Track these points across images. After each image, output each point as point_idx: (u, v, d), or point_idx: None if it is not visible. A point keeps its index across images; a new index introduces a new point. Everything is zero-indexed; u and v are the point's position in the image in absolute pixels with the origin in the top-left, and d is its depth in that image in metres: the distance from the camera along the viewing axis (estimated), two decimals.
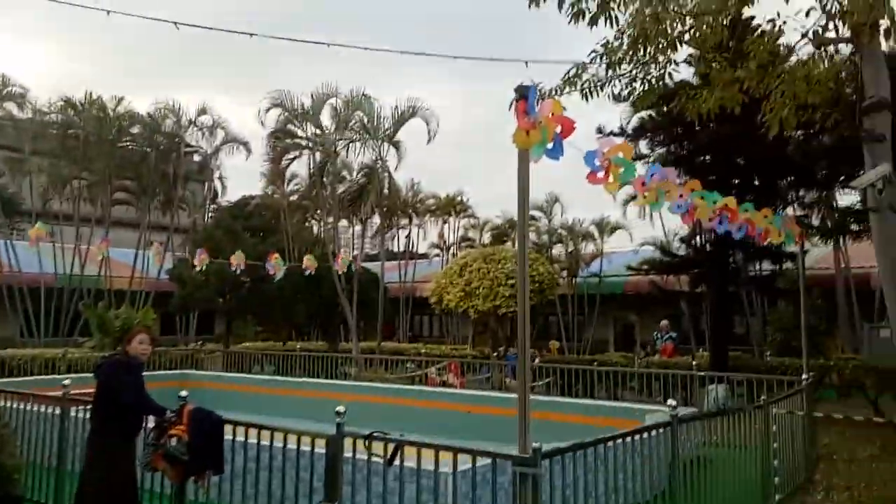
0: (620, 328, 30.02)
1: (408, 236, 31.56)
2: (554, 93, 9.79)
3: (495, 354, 15.64)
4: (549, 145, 4.84)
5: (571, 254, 26.98)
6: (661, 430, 6.08)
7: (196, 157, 31.96)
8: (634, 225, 26.24)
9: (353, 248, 23.63)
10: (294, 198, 33.74)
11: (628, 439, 5.63)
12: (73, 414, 6.99)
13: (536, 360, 16.63)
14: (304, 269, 15.86)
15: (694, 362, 13.31)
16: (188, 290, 22.83)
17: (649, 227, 43.33)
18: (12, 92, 25.25)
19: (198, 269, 16.11)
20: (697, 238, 18.80)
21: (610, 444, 5.37)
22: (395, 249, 35.07)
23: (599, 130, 15.59)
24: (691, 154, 15.01)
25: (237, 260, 15.59)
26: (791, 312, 18.75)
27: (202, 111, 28.09)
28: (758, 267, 18.14)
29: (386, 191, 19.90)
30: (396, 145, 20.22)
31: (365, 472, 5.37)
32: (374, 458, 4.98)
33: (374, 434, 4.96)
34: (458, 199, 30.01)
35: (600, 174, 6.04)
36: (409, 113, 19.24)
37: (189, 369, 17.01)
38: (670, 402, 6.30)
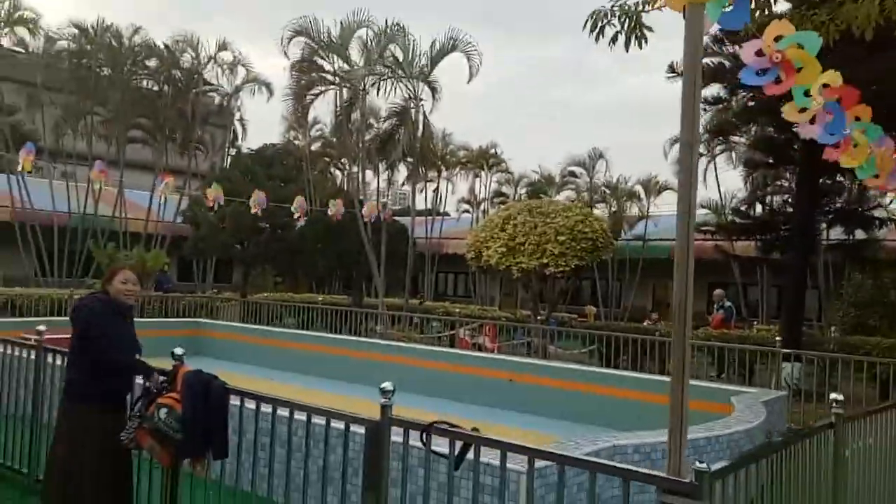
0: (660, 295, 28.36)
1: (435, 190, 29.87)
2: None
3: (539, 318, 14.06)
4: (729, 6, 3.27)
5: (614, 214, 25.17)
6: (824, 433, 4.45)
7: (216, 98, 30.28)
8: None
9: (378, 199, 21.95)
10: (316, 146, 32.11)
11: (791, 447, 3.97)
12: (49, 360, 5.76)
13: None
14: (331, 216, 14.26)
15: (778, 338, 11.62)
16: (203, 233, 21.36)
17: (702, 188, 40.96)
18: (24, 16, 23.50)
19: (212, 206, 14.54)
20: (769, 199, 17.03)
21: (774, 454, 3.72)
22: (420, 206, 33.51)
23: (672, 69, 13.69)
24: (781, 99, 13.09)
25: (256, 200, 13.98)
26: (870, 286, 17.01)
27: (222, 47, 26.32)
28: (829, 233, 16.28)
29: (419, 135, 18.11)
30: (432, 85, 18.37)
31: (415, 462, 4.05)
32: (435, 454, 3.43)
33: (436, 425, 3.38)
34: (492, 151, 28.16)
35: (778, 79, 4.32)
36: (449, 46, 17.30)
37: (204, 318, 15.69)
38: (835, 395, 4.61)
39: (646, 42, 7.69)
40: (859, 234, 16.48)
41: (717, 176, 23.45)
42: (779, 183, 18.57)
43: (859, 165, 5.19)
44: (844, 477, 4.52)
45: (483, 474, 3.61)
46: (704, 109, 15.86)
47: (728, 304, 17.50)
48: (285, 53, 18.03)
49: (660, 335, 14.46)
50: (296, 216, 14.23)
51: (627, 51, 7.93)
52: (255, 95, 28.67)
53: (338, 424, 3.88)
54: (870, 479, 5.05)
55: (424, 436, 3.41)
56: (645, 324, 18.49)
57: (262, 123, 69.71)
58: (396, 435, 3.57)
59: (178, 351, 4.50)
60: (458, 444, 3.34)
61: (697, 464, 2.66)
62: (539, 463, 4.22)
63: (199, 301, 16.58)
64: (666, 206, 26.43)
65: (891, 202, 15.89)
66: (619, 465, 3.43)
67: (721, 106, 14.76)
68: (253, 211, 14.51)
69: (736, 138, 23.12)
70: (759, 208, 16.95)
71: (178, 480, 4.46)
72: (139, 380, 4.48)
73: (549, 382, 11.15)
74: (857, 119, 4.88)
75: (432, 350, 12.90)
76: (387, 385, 3.63)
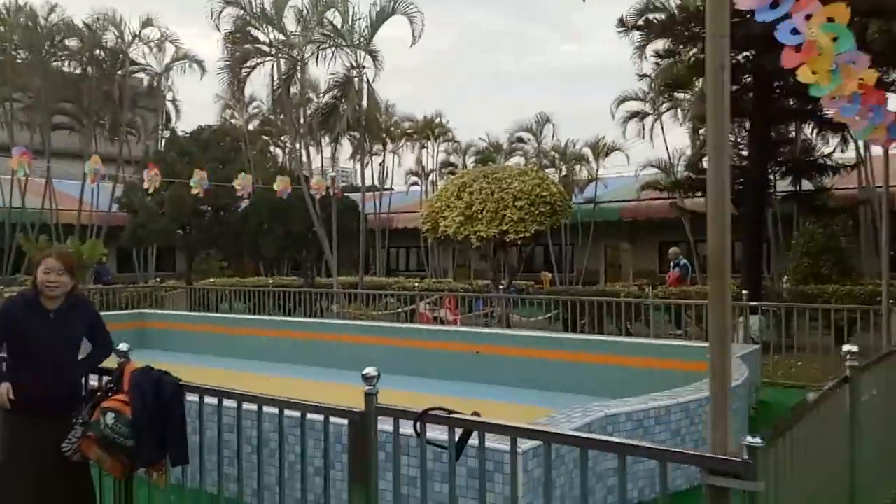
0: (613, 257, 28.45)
1: (381, 164, 29.17)
2: None
3: (501, 287, 13.71)
4: None
5: (564, 178, 24.95)
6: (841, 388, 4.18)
7: (145, 79, 28.79)
8: (632, 146, 24.27)
9: (325, 174, 21.15)
10: (254, 125, 30.98)
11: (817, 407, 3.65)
12: None
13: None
14: (278, 193, 13.55)
15: (744, 291, 11.50)
16: (141, 220, 20.29)
17: (649, 148, 40.98)
18: None
19: (149, 189, 13.62)
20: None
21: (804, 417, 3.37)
22: (367, 180, 32.71)
23: (622, 23, 13.36)
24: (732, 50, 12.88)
25: (198, 181, 13.13)
26: (821, 235, 17.19)
27: (147, 23, 24.86)
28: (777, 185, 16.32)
29: (364, 105, 17.37)
30: (373, 54, 17.64)
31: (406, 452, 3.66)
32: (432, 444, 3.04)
33: (430, 411, 2.95)
34: (438, 121, 27.55)
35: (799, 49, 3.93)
36: (390, 9, 16.54)
37: (148, 309, 14.83)
38: (847, 347, 4.30)
39: None
40: (805, 185, 16.62)
41: (664, 134, 23.36)
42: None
43: (816, 83, 4.60)
44: (859, 428, 4.28)
45: (477, 460, 3.19)
46: (657, 63, 15.76)
47: (684, 261, 17.46)
48: (217, 26, 17.05)
49: (624, 297, 14.42)
50: (240, 195, 13.46)
51: None
52: (186, 74, 27.38)
53: (315, 417, 3.41)
54: (879, 425, 4.85)
55: (418, 425, 2.98)
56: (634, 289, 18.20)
57: (196, 105, 67.43)
58: (383, 423, 3.11)
59: (123, 347, 3.93)
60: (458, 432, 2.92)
61: (749, 438, 2.28)
62: (531, 443, 3.84)
63: (142, 291, 15.71)
64: (614, 167, 26.43)
65: (832, 151, 16.09)
66: (653, 445, 2.98)
67: (672, 59, 14.55)
68: (195, 192, 13.64)
69: (681, 94, 23.12)
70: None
71: (133, 491, 3.95)
72: (93, 380, 3.95)
73: (517, 352, 10.86)
74: (830, 21, 4.19)
75: (393, 327, 12.44)
76: (370, 370, 3.16)
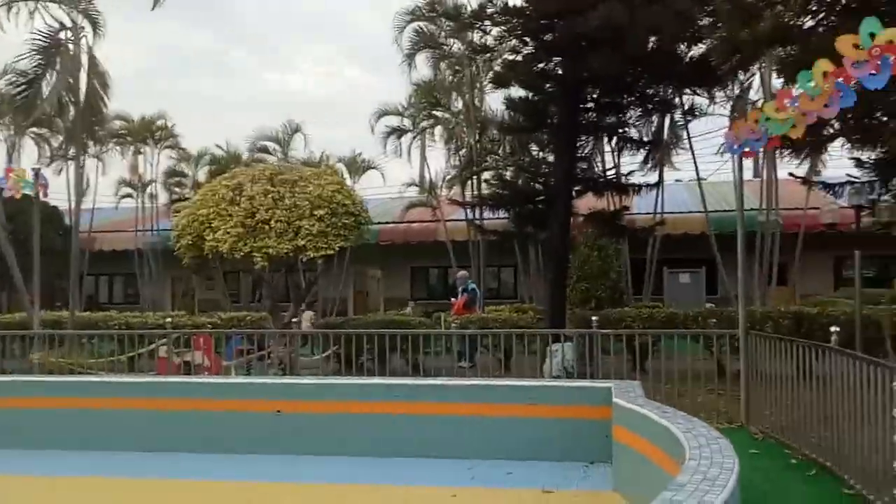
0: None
1: (80, 169, 23.47)
2: None
3: (294, 320, 10.54)
4: None
5: None
6: None
7: None
8: (388, 164, 22.61)
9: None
10: None
11: None
12: None
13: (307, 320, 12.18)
14: None
15: (595, 319, 9.96)
16: None
17: (407, 166, 39.40)
18: None
19: None
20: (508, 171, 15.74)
21: None
22: (63, 192, 26.52)
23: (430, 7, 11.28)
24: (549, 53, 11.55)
25: None
26: (596, 258, 16.78)
27: None
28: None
29: (82, 79, 12.76)
30: (90, 15, 13.14)
31: None
32: None
33: None
34: (161, 123, 22.95)
35: None
36: None
37: None
38: None
39: None
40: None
41: (424, 153, 21.90)
42: (496, 154, 17.68)
43: None
44: None
45: None
46: (471, 57, 14.00)
47: (473, 285, 15.90)
48: None
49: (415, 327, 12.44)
50: None
51: None
52: None
53: None
54: None
55: None
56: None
57: None
58: None
59: None
60: None
61: None
62: None
63: None
64: (372, 189, 24.40)
65: (631, 172, 15.87)
66: None
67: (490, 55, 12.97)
68: None
69: (439, 113, 21.99)
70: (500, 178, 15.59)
71: None
72: None
73: (323, 408, 8.18)
74: None
75: (129, 383, 8.65)
76: None
